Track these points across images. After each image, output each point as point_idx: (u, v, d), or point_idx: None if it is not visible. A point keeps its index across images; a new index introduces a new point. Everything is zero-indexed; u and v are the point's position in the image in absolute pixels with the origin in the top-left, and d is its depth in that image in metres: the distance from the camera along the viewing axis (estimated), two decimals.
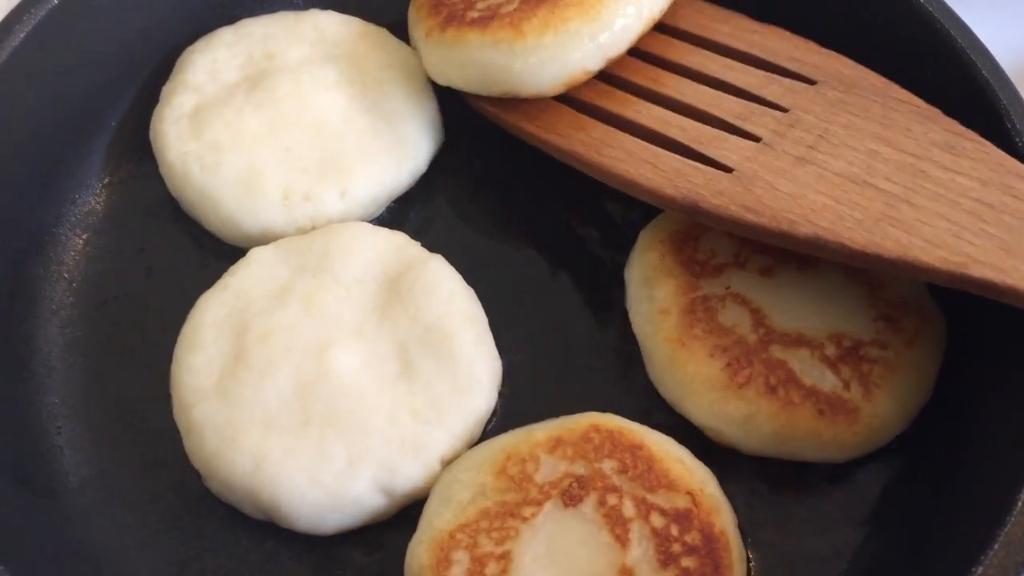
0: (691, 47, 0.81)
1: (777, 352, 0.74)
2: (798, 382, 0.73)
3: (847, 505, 0.74)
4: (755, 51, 0.79)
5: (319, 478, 0.70)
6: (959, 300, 0.68)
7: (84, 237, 0.85)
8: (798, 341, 0.74)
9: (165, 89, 0.88)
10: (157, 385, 0.76)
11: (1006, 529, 0.61)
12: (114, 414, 0.77)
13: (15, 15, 0.79)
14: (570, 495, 0.68)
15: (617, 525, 0.67)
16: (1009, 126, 0.72)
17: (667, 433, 0.73)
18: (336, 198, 0.82)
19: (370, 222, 0.83)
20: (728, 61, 0.80)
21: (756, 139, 0.73)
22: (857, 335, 0.74)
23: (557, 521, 0.67)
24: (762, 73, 0.78)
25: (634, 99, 0.78)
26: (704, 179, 0.72)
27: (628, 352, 0.79)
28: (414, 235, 0.82)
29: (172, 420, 0.74)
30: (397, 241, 0.81)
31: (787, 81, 0.77)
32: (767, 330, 0.75)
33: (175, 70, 0.89)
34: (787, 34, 0.80)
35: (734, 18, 0.83)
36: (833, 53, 0.78)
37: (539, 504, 0.68)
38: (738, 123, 0.75)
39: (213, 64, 0.88)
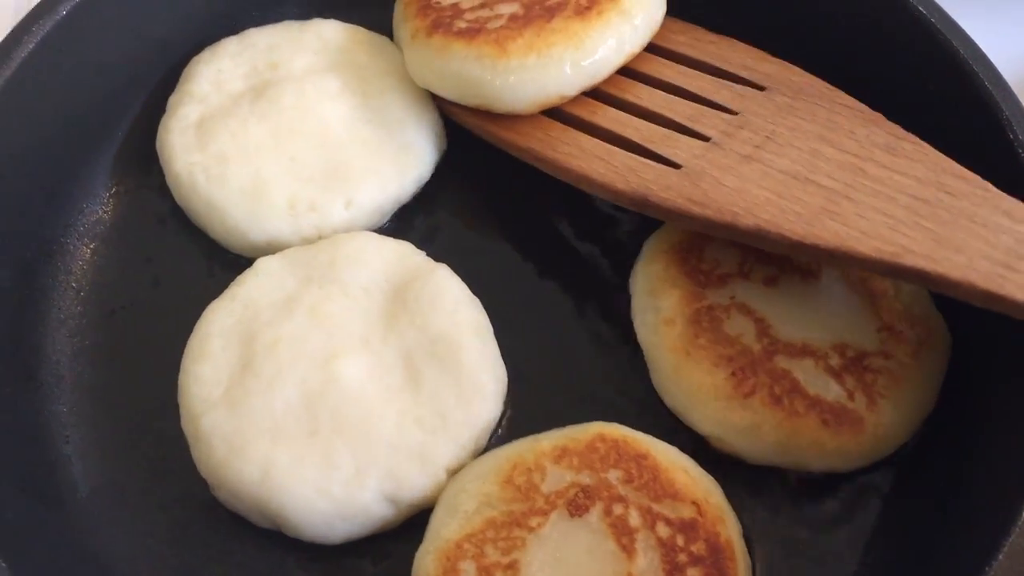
0: (649, 55, 0.83)
1: (782, 362, 0.74)
2: (803, 392, 0.73)
3: (851, 515, 0.74)
4: (709, 59, 0.83)
5: (326, 487, 0.70)
6: (963, 310, 0.68)
7: (92, 247, 0.85)
8: (802, 351, 0.74)
9: (171, 100, 0.88)
10: (165, 394, 0.77)
11: (1010, 540, 0.62)
12: (122, 423, 0.78)
13: (23, 26, 0.79)
14: (576, 505, 0.68)
15: (623, 535, 0.67)
16: (1012, 137, 0.73)
17: (672, 442, 0.74)
18: (341, 207, 0.83)
19: (375, 231, 0.84)
20: (683, 68, 0.83)
21: (705, 139, 0.76)
22: (861, 345, 0.75)
23: (563, 531, 0.67)
24: (714, 79, 0.81)
25: (592, 102, 0.81)
26: (654, 175, 0.75)
27: (633, 361, 0.80)
28: (419, 244, 0.83)
29: (180, 429, 0.75)
30: (402, 250, 0.81)
31: (738, 87, 0.80)
32: (771, 340, 0.75)
33: (181, 81, 0.89)
34: (742, 45, 0.84)
35: (692, 30, 0.86)
36: (785, 63, 0.81)
37: (545, 514, 0.68)
38: (688, 124, 0.78)
39: (218, 74, 0.88)
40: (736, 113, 0.78)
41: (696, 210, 0.72)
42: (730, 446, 0.75)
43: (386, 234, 0.83)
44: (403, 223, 0.86)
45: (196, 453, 0.73)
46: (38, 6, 0.80)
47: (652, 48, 0.84)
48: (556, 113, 0.81)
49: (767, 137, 0.75)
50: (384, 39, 0.92)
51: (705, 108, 0.79)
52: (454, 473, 0.73)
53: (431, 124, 0.87)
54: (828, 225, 0.68)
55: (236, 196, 0.82)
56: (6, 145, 0.79)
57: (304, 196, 0.82)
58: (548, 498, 0.69)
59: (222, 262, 0.84)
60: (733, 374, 0.74)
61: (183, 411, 0.74)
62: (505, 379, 0.77)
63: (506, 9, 0.82)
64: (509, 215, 0.87)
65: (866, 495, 0.75)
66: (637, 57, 0.82)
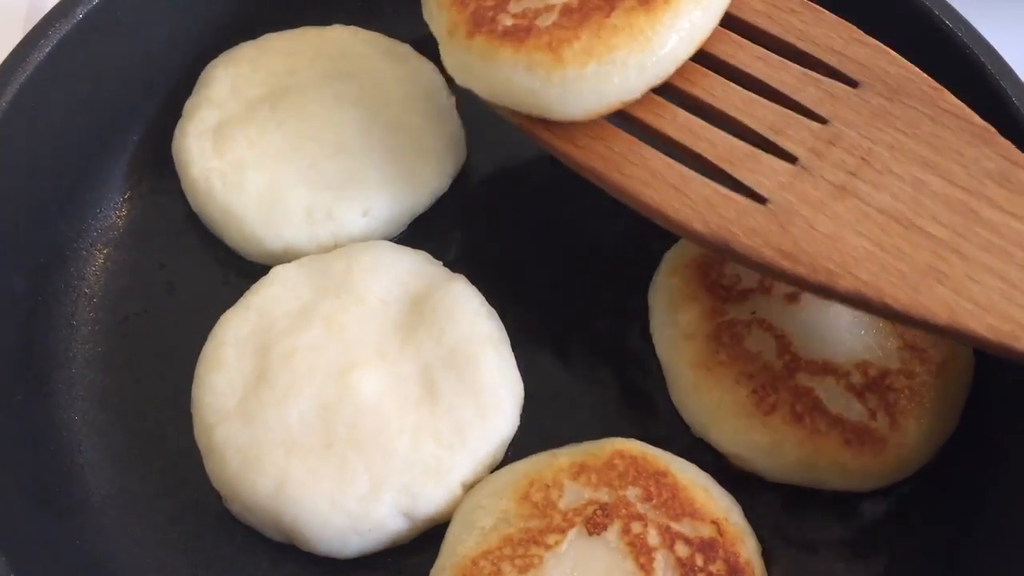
0: (720, 30, 0.71)
1: (803, 380, 0.73)
2: (824, 410, 0.72)
3: (872, 535, 0.74)
4: (791, 38, 0.71)
5: (341, 501, 0.69)
6: None
7: (105, 252, 0.84)
8: (824, 369, 0.74)
9: (188, 104, 0.87)
10: (178, 403, 0.76)
11: None
12: (135, 432, 0.77)
13: (40, 29, 0.78)
14: (594, 523, 0.67)
15: (642, 554, 0.66)
16: None
17: (690, 459, 0.73)
18: (359, 216, 0.82)
19: (392, 240, 0.83)
20: (760, 52, 0.71)
21: (792, 159, 0.67)
22: (883, 364, 0.74)
23: (581, 549, 0.67)
24: (799, 70, 0.70)
25: (657, 100, 0.70)
26: (736, 213, 0.66)
27: (651, 376, 0.79)
28: (436, 254, 0.82)
29: (193, 439, 0.74)
30: (419, 261, 0.80)
31: (827, 82, 0.69)
32: (793, 357, 0.74)
33: (198, 85, 0.88)
34: (828, 16, 0.72)
35: None
36: (878, 45, 0.70)
37: (563, 531, 0.67)
38: (772, 137, 0.68)
39: (236, 80, 0.87)
40: (825, 121, 0.68)
41: (786, 265, 0.63)
42: (750, 464, 0.74)
43: (403, 243, 0.82)
44: (420, 232, 0.85)
45: (209, 464, 0.72)
46: (53, 9, 0.79)
47: (723, 19, 0.72)
48: (620, 114, 0.71)
49: (862, 159, 0.66)
50: (405, 47, 0.91)
51: (790, 114, 0.69)
52: (470, 488, 0.72)
53: (451, 133, 0.86)
54: (936, 292, 0.60)
55: (253, 203, 0.81)
56: (20, 150, 0.78)
57: (321, 204, 0.81)
58: (566, 515, 0.68)
59: (238, 270, 0.83)
60: (754, 391, 0.73)
61: (196, 421, 0.74)
62: (522, 392, 0.76)
63: None
64: (527, 225, 0.86)
65: (887, 515, 0.74)
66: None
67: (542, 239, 0.85)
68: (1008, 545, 0.69)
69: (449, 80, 0.89)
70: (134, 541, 0.73)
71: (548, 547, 0.66)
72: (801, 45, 0.71)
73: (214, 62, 0.89)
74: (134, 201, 0.87)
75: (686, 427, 0.76)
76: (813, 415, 0.72)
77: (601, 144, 0.70)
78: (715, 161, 0.68)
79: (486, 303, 0.79)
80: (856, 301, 0.62)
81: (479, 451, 0.72)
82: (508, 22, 0.69)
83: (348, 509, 0.69)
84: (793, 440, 0.72)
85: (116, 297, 0.83)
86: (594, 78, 0.66)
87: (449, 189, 0.86)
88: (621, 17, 0.66)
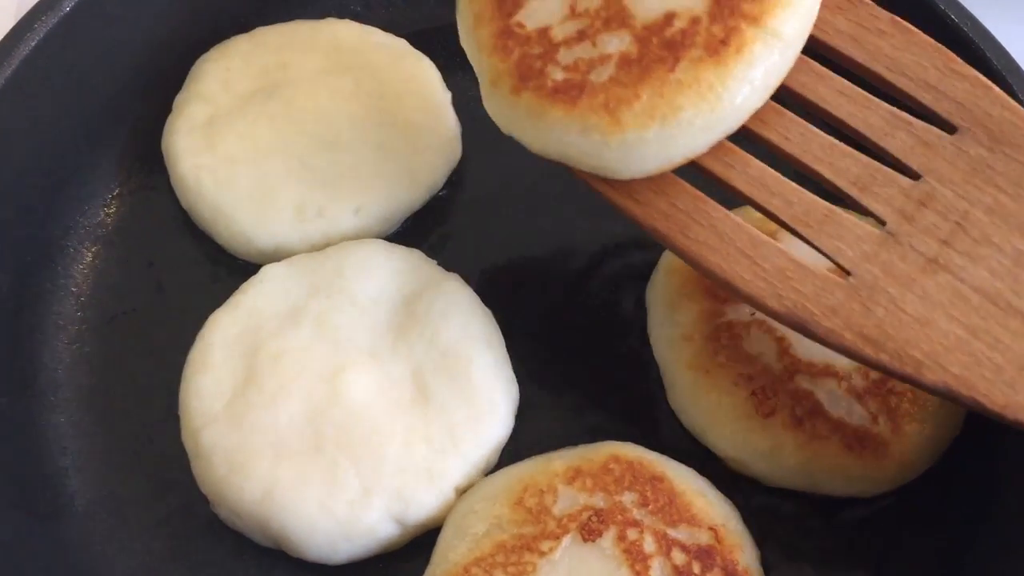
0: (800, 56, 0.63)
1: (803, 382, 0.72)
2: (825, 414, 0.71)
3: (873, 540, 0.72)
4: (880, 67, 0.64)
5: (331, 506, 0.68)
6: None
7: (93, 250, 0.83)
8: (825, 372, 0.72)
9: (178, 99, 0.86)
10: (166, 405, 0.75)
11: None
12: (121, 435, 0.75)
13: (26, 22, 0.77)
14: (589, 529, 0.66)
15: (637, 561, 0.65)
16: None
17: (688, 463, 0.72)
18: (351, 214, 0.80)
19: (385, 239, 0.81)
20: (843, 85, 0.64)
21: (879, 222, 0.61)
22: None
23: (575, 556, 0.65)
24: (887, 110, 0.63)
25: (727, 147, 0.63)
26: (814, 288, 0.60)
27: (648, 377, 0.77)
28: (430, 253, 0.80)
29: (181, 442, 0.72)
30: (413, 260, 0.79)
31: (920, 126, 0.62)
32: (792, 359, 0.73)
33: (188, 80, 0.87)
34: (921, 39, 0.64)
35: (858, 6, 0.65)
36: (978, 77, 0.63)
37: (557, 538, 0.66)
38: (856, 194, 0.61)
39: (227, 74, 0.86)
40: (917, 176, 0.61)
41: (869, 352, 0.58)
42: (749, 468, 0.72)
43: (396, 242, 0.80)
44: (413, 231, 0.83)
45: (196, 469, 0.71)
46: (40, 2, 0.78)
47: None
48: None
49: (957, 224, 0.59)
50: (401, 41, 0.89)
51: (877, 166, 0.62)
52: (463, 492, 0.70)
53: (446, 130, 0.85)
54: None
55: (243, 200, 0.80)
56: (6, 144, 0.76)
57: (313, 201, 0.80)
58: (560, 521, 0.66)
59: (227, 268, 0.81)
60: (753, 394, 0.71)
61: (183, 424, 0.72)
62: (517, 395, 0.75)
63: (614, 45, 0.61)
64: (522, 224, 0.84)
65: (889, 520, 0.73)
66: None
67: (538, 238, 0.84)
68: (1011, 550, 0.68)
69: (445, 76, 0.88)
70: (120, 546, 0.72)
71: (542, 554, 0.65)
72: (891, 77, 0.63)
73: (205, 56, 0.88)
74: (123, 198, 0.85)
75: (684, 430, 0.75)
76: (813, 419, 0.71)
77: (664, 201, 0.63)
78: (790, 223, 0.62)
79: (480, 303, 0.77)
80: (944, 395, 0.58)
81: (472, 455, 0.71)
82: (558, 76, 0.61)
83: (338, 514, 0.68)
84: (793, 444, 0.70)
85: (104, 296, 0.81)
86: (657, 142, 0.59)
87: (444, 187, 0.85)
88: (687, 71, 0.58)
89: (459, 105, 0.87)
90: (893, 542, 0.72)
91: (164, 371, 0.76)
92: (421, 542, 0.70)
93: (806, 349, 0.73)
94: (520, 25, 0.64)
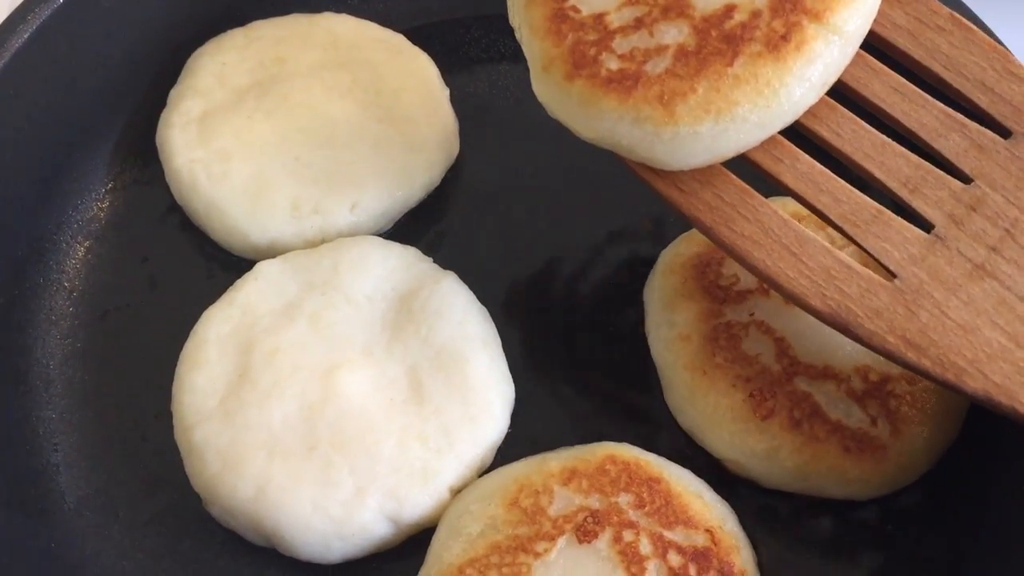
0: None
1: (802, 384, 0.71)
2: (823, 416, 0.70)
3: (871, 543, 0.71)
4: (936, 65, 0.63)
5: (324, 506, 0.67)
6: None
7: (86, 245, 0.82)
8: (824, 374, 0.71)
9: (173, 93, 0.85)
10: (159, 401, 0.74)
11: None
12: (113, 431, 0.75)
13: (19, 14, 0.76)
14: (585, 530, 0.65)
15: (633, 563, 0.64)
16: None
17: (684, 464, 0.71)
18: (347, 211, 0.79)
19: (381, 235, 0.81)
20: (898, 81, 0.63)
21: (927, 227, 0.60)
22: (884, 369, 0.71)
23: (571, 557, 0.64)
24: (942, 110, 0.62)
25: (777, 140, 0.62)
26: (859, 288, 0.59)
27: (646, 377, 0.77)
28: (426, 251, 0.80)
29: (174, 439, 0.72)
30: (409, 257, 0.78)
31: (974, 128, 0.61)
32: (791, 361, 0.72)
33: (183, 73, 0.86)
34: (979, 37, 0.63)
35: (916, 1, 0.64)
36: None
37: (552, 539, 0.65)
38: (905, 195, 0.61)
39: (222, 68, 0.85)
40: (968, 180, 0.60)
41: (911, 356, 0.58)
42: (746, 470, 0.72)
43: (392, 239, 0.80)
44: (410, 228, 0.83)
45: (189, 466, 0.70)
46: None
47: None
48: None
49: (1007, 231, 0.59)
50: (399, 37, 0.88)
51: (928, 167, 0.61)
52: (457, 492, 0.70)
53: (443, 126, 0.84)
54: None
55: (238, 196, 0.79)
56: None
57: (308, 197, 0.79)
58: (555, 522, 0.66)
59: (222, 264, 0.81)
60: (751, 395, 0.71)
61: (176, 421, 0.71)
62: (512, 395, 0.74)
63: (671, 36, 0.60)
64: (520, 222, 0.83)
65: (886, 524, 0.72)
66: None
67: (536, 236, 0.83)
68: (1009, 553, 0.68)
69: (443, 72, 0.87)
70: (110, 544, 0.71)
71: (537, 555, 0.64)
72: (947, 76, 0.62)
73: (200, 50, 0.87)
74: (116, 192, 0.84)
75: (681, 431, 0.74)
76: (812, 421, 0.70)
77: (709, 192, 0.63)
78: (837, 221, 0.61)
79: (477, 301, 0.77)
80: (984, 403, 0.58)
81: (467, 455, 0.70)
82: (613, 65, 0.60)
83: (331, 513, 0.67)
84: (791, 446, 0.70)
85: (96, 291, 0.80)
86: (709, 136, 0.58)
87: (440, 184, 0.84)
88: (745, 66, 0.58)
89: (457, 101, 0.86)
90: (891, 545, 0.71)
91: (157, 367, 0.75)
92: (415, 542, 0.69)
93: (805, 351, 0.72)
94: (575, 9, 0.63)
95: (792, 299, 0.61)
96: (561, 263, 0.82)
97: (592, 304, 0.80)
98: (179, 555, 0.71)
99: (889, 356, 0.59)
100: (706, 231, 0.63)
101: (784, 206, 0.69)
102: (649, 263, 0.80)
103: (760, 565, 0.68)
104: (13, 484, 0.71)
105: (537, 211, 0.84)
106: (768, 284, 0.62)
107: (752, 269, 0.62)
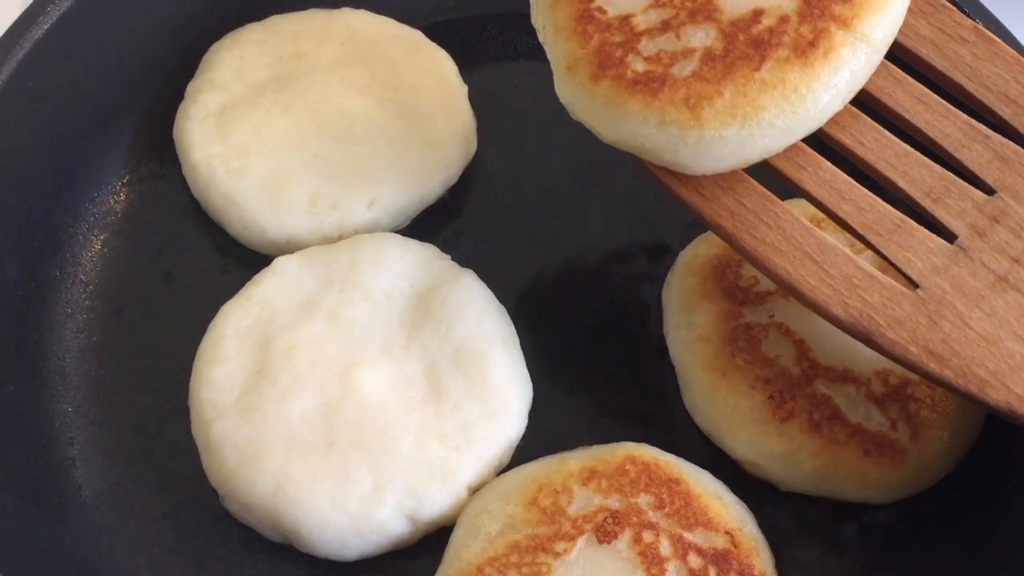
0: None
1: (822, 387, 0.71)
2: (843, 419, 0.70)
3: (889, 547, 0.71)
4: (960, 76, 0.62)
5: (342, 502, 0.67)
6: None
7: (102, 238, 0.81)
8: (843, 376, 0.71)
9: (190, 87, 0.85)
10: (175, 396, 0.73)
11: None
12: (130, 425, 0.74)
13: (38, 6, 0.76)
14: (604, 531, 0.65)
15: (653, 564, 0.64)
16: None
17: (703, 465, 0.71)
18: (364, 207, 0.79)
19: (398, 232, 0.80)
20: (922, 91, 0.63)
21: (950, 237, 0.60)
22: (904, 373, 0.71)
23: (590, 558, 0.64)
24: (965, 121, 0.62)
25: (800, 147, 0.62)
26: (881, 298, 0.59)
27: (664, 378, 0.76)
28: (444, 248, 0.79)
29: (191, 434, 0.71)
30: (427, 254, 0.78)
31: (997, 140, 0.61)
32: (811, 363, 0.72)
33: (201, 67, 0.86)
34: (1002, 49, 0.63)
35: (938, 12, 0.64)
36: None
37: (572, 539, 0.65)
38: (929, 205, 0.60)
39: (240, 62, 0.85)
40: (992, 191, 0.60)
41: (933, 367, 0.57)
42: (765, 472, 0.71)
43: (410, 236, 0.79)
44: (427, 225, 0.82)
45: (206, 461, 0.70)
46: None
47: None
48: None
49: None
50: (417, 33, 0.88)
51: (951, 178, 0.61)
52: (476, 491, 0.70)
53: (461, 123, 0.84)
54: None
55: (256, 191, 0.79)
56: (16, 130, 0.75)
57: (326, 193, 0.79)
58: (575, 522, 0.65)
59: (238, 259, 0.80)
60: (771, 397, 0.70)
61: (194, 416, 0.71)
62: (531, 393, 0.74)
63: (698, 40, 0.60)
64: (538, 220, 0.83)
65: (905, 527, 0.72)
66: None
67: (554, 234, 0.83)
68: None
69: (461, 69, 0.87)
70: (126, 538, 0.70)
71: (556, 555, 0.64)
72: (970, 87, 0.62)
73: (218, 44, 0.87)
74: (133, 186, 0.84)
75: (700, 433, 0.74)
76: (831, 424, 0.70)
77: (731, 198, 0.62)
78: (860, 230, 0.61)
79: (495, 300, 0.76)
80: (1007, 415, 0.57)
81: (486, 453, 0.70)
82: (639, 67, 0.60)
83: (349, 510, 0.67)
84: (810, 449, 0.69)
85: (113, 285, 0.80)
86: (735, 140, 0.58)
87: (458, 181, 0.84)
88: (773, 71, 0.57)
89: (475, 99, 0.86)
90: (909, 549, 0.71)
91: (173, 362, 0.75)
92: (433, 540, 0.69)
93: (825, 353, 0.72)
94: (601, 10, 0.62)
95: (813, 308, 0.61)
96: (579, 262, 0.82)
97: (610, 304, 0.80)
98: (195, 550, 0.70)
99: (911, 367, 0.59)
100: (727, 237, 0.62)
101: (802, 210, 0.69)
102: (668, 264, 0.80)
103: (778, 568, 0.68)
104: (29, 477, 0.70)
105: (555, 209, 0.83)
106: (789, 292, 0.62)
107: (773, 277, 0.61)
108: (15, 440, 0.71)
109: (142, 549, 0.70)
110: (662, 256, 0.81)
